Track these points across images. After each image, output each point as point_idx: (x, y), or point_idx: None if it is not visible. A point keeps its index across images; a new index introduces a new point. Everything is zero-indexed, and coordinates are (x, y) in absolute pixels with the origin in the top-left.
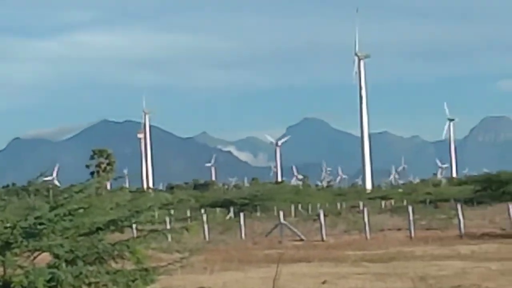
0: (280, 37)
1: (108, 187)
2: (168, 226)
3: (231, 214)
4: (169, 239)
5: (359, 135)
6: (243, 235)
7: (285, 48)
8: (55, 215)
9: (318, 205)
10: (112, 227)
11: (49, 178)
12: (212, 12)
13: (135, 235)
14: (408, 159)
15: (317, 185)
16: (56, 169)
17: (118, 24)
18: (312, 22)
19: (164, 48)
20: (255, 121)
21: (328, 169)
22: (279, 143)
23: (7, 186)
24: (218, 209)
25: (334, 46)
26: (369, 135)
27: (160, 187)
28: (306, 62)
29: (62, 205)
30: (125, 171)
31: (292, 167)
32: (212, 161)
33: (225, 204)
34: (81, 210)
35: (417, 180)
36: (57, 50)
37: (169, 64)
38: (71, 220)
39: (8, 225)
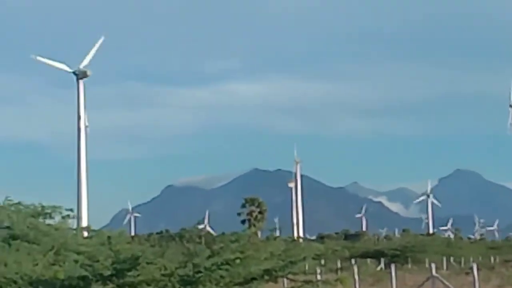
0: (429, 86)
1: (259, 235)
2: (319, 277)
3: (382, 265)
4: None
5: None
6: (394, 287)
7: (434, 97)
8: (212, 264)
9: (471, 258)
10: (266, 277)
11: (201, 225)
12: (359, 60)
13: (285, 284)
14: None
15: (469, 238)
16: (207, 217)
17: (265, 72)
18: (465, 70)
19: (311, 96)
20: (407, 171)
21: (481, 221)
22: (430, 196)
23: (161, 232)
24: (368, 260)
25: (486, 96)
26: None
27: (310, 237)
28: (459, 112)
29: (218, 253)
30: (276, 220)
31: (447, 219)
32: (363, 211)
33: (376, 255)
34: (237, 260)
35: None
36: (208, 99)
37: (317, 112)
38: (227, 270)
39: (166, 272)
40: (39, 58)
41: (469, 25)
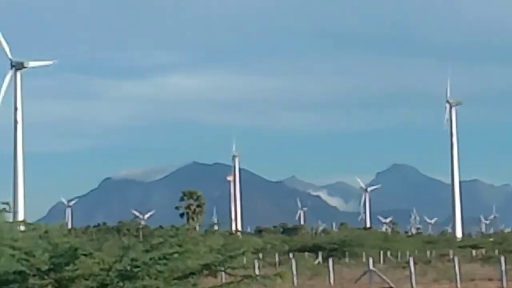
0: (371, 81)
1: (197, 229)
2: (257, 271)
3: (320, 259)
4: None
5: (449, 182)
6: (331, 280)
7: (375, 93)
8: (150, 259)
9: (407, 253)
10: (205, 271)
11: (140, 217)
12: (301, 54)
13: (224, 279)
14: (499, 207)
15: (406, 232)
16: (149, 214)
17: (205, 66)
18: (402, 67)
19: (250, 90)
20: (345, 165)
21: (417, 216)
22: (369, 189)
23: (98, 225)
24: (306, 254)
25: (424, 91)
26: (460, 183)
27: (248, 230)
28: (396, 107)
29: (156, 248)
30: (214, 214)
31: (384, 213)
32: (300, 205)
33: (314, 249)
34: (175, 255)
35: (508, 230)
36: (148, 92)
37: (256, 106)
38: (165, 264)
39: (104, 266)
40: None
41: (408, 24)
